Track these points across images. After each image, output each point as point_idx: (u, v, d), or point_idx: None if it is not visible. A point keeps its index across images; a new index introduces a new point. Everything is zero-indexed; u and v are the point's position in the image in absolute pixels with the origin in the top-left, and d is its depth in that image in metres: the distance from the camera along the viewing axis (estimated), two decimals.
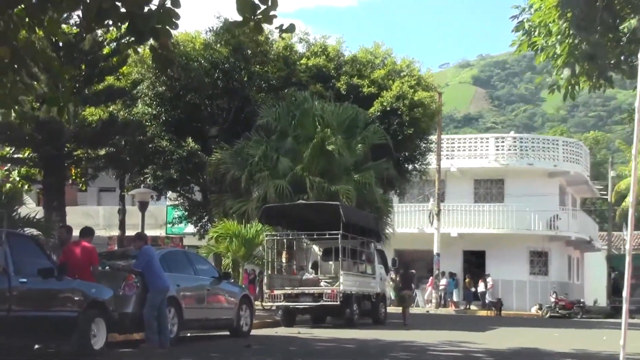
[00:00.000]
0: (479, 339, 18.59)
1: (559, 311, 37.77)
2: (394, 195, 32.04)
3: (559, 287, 40.12)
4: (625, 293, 8.46)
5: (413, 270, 33.86)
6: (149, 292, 13.27)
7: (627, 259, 8.68)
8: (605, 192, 55.96)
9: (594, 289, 49.60)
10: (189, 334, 16.32)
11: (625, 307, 8.09)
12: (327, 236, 21.98)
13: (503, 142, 42.55)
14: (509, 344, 16.87)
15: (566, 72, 13.12)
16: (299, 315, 22.70)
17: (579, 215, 44.87)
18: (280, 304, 21.76)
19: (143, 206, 25.33)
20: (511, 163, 41.53)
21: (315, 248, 24.84)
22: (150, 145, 25.94)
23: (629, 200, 11.48)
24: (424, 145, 31.79)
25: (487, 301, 38.63)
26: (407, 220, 40.97)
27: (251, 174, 25.45)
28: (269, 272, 22.59)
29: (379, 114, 28.46)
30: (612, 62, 13.34)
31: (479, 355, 14.41)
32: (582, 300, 40.00)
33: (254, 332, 17.86)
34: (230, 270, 22.98)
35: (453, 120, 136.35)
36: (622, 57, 13.59)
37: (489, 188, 42.72)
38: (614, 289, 41.91)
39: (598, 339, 19.81)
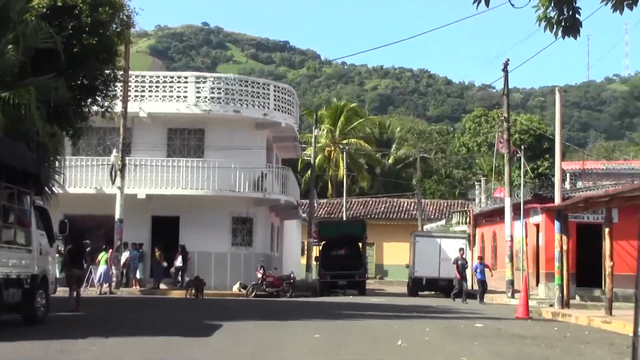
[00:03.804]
0: (212, 351, 10.86)
1: (267, 289, 31.48)
2: (68, 139, 22.88)
3: (264, 260, 33.62)
4: None
5: (87, 241, 26.19)
6: None
7: None
8: None
9: (287, 259, 44.13)
10: None
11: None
12: None
13: (205, 82, 34.68)
14: None
15: None
16: None
17: (286, 175, 38.25)
18: None
19: None
20: (214, 109, 33.98)
21: None
22: None
23: None
24: (110, 71, 22.86)
25: (184, 279, 31.21)
26: (82, 178, 32.24)
27: None
28: None
29: (46, 10, 19.33)
30: None
31: None
32: (292, 275, 33.86)
33: None
34: None
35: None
36: None
37: (186, 139, 34.85)
38: (324, 262, 36.16)
39: (390, 344, 12.93)
